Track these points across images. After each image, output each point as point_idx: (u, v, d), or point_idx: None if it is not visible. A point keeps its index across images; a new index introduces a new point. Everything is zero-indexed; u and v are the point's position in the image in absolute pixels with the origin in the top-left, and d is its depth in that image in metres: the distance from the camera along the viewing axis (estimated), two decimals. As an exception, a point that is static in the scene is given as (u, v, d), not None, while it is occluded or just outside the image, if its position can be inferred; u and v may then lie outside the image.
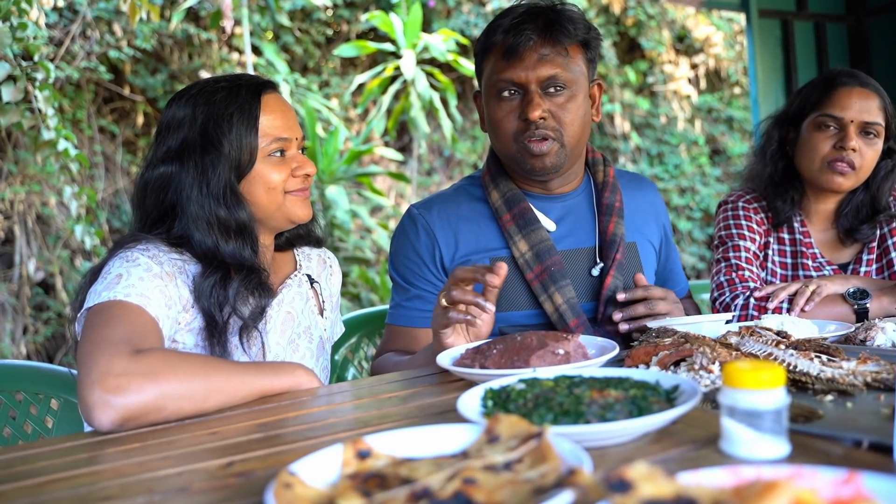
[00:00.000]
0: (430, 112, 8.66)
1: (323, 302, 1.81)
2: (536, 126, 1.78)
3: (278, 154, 1.62)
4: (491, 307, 1.47)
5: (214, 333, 1.52)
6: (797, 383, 1.17)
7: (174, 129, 1.60)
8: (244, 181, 1.59)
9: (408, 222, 1.96)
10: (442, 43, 8.48)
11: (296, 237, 1.81)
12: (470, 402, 1.04)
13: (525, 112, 1.78)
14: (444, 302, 1.50)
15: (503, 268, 1.43)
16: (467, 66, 8.51)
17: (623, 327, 1.74)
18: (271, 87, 1.67)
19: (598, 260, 1.91)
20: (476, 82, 1.99)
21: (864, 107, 2.10)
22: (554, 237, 1.90)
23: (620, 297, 1.77)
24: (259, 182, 1.60)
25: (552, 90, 1.79)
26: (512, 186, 1.92)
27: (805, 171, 2.18)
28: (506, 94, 1.81)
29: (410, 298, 1.92)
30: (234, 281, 1.54)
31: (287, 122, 1.64)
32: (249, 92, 1.61)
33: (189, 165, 1.57)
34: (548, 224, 1.91)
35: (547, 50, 1.78)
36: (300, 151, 1.68)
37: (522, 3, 1.86)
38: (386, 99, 8.42)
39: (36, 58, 3.97)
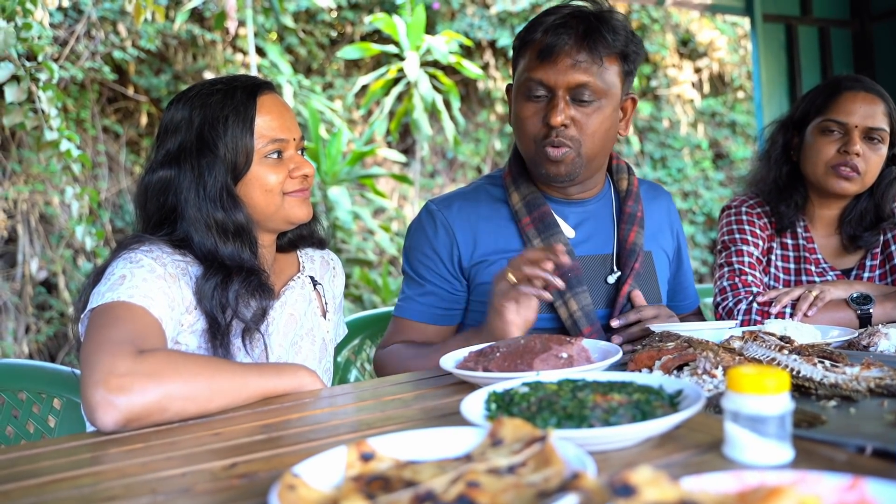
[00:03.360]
0: (433, 114, 8.66)
1: (326, 304, 1.81)
2: (557, 133, 1.76)
3: (275, 155, 1.61)
4: (561, 284, 1.53)
5: (217, 335, 1.52)
6: (800, 388, 1.17)
7: (172, 132, 1.61)
8: (241, 183, 1.59)
9: (426, 218, 1.94)
10: (444, 45, 8.47)
11: (298, 238, 1.81)
12: (473, 405, 1.04)
13: (548, 116, 1.76)
14: (512, 278, 1.55)
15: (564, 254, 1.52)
16: (471, 68, 8.51)
17: (616, 340, 1.74)
18: (268, 87, 1.66)
19: (615, 268, 1.90)
20: (511, 75, 1.96)
21: (868, 112, 2.10)
22: (571, 242, 1.89)
23: (614, 323, 1.76)
24: (256, 184, 1.60)
25: (580, 99, 1.76)
26: (533, 189, 1.90)
27: (810, 176, 2.18)
28: (533, 94, 1.78)
29: (424, 294, 1.91)
30: (234, 283, 1.53)
31: (284, 123, 1.63)
32: (245, 93, 1.60)
33: (186, 168, 1.57)
34: (567, 231, 1.90)
35: (582, 57, 1.74)
36: (299, 152, 1.67)
37: (570, 2, 1.83)
38: (388, 101, 8.41)
39: (40, 58, 3.98)
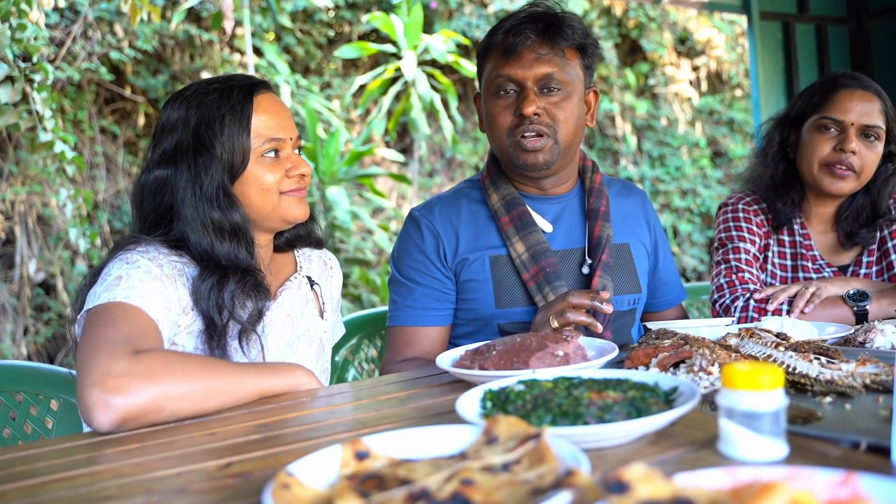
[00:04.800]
0: (431, 113, 8.65)
1: (323, 304, 1.81)
2: (531, 122, 1.85)
3: (272, 154, 1.61)
4: (601, 328, 1.61)
5: (214, 336, 1.51)
6: (796, 385, 1.17)
7: (169, 132, 1.61)
8: (238, 182, 1.59)
9: (410, 224, 2.01)
10: (442, 44, 8.47)
11: (296, 238, 1.80)
12: (469, 403, 1.04)
13: (520, 108, 1.85)
14: (555, 324, 1.62)
15: (608, 301, 1.60)
16: (468, 67, 8.50)
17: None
18: (264, 87, 1.66)
19: (586, 259, 1.96)
20: (477, 84, 2.03)
21: (864, 110, 2.10)
22: (548, 237, 1.96)
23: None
24: (253, 183, 1.60)
25: (547, 89, 1.86)
26: (511, 189, 1.98)
27: (805, 174, 2.18)
28: (503, 90, 1.88)
29: (418, 297, 1.95)
30: (230, 283, 1.53)
31: (281, 122, 1.63)
32: (241, 92, 1.60)
33: (183, 167, 1.57)
34: (544, 225, 1.97)
35: (545, 50, 1.85)
36: (296, 151, 1.67)
37: (525, 8, 1.93)
38: (386, 100, 8.41)
39: (35, 59, 3.97)
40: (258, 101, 1.62)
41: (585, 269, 1.95)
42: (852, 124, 2.10)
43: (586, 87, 1.95)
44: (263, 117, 1.61)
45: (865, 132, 2.11)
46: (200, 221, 1.55)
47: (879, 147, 2.13)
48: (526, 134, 1.85)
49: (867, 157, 2.11)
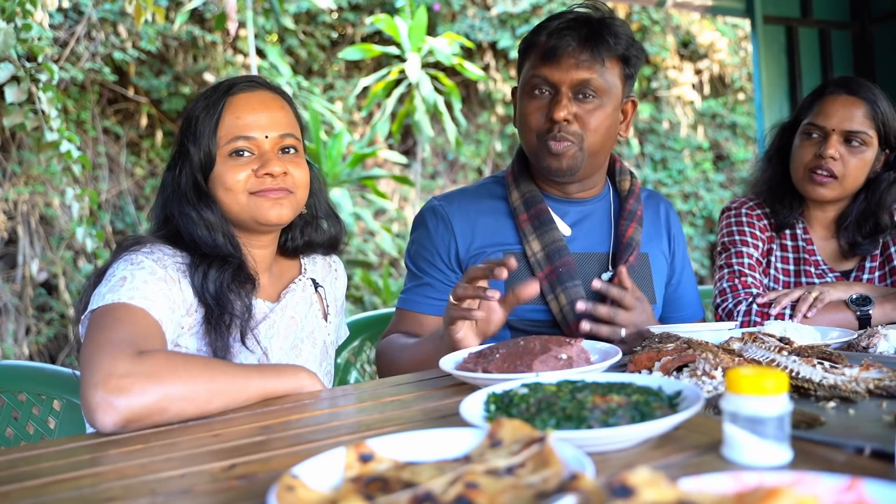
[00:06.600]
0: (435, 116, 8.65)
1: (327, 306, 1.81)
2: (560, 128, 1.82)
3: (240, 154, 1.59)
4: (493, 294, 1.51)
5: (212, 323, 1.52)
6: (799, 390, 1.17)
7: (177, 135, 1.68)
8: (209, 182, 1.61)
9: (428, 213, 2.01)
10: (447, 46, 8.47)
11: (307, 245, 1.78)
12: (472, 406, 1.04)
13: (552, 111, 1.82)
14: (452, 299, 1.57)
15: (512, 261, 1.50)
16: (472, 69, 8.51)
17: (584, 326, 1.73)
18: (249, 86, 1.63)
19: (609, 267, 1.93)
20: (516, 80, 2.02)
21: (847, 115, 2.10)
22: (567, 239, 1.93)
23: (596, 283, 1.75)
24: (219, 183, 1.60)
25: (582, 95, 1.83)
26: (532, 188, 1.96)
27: (793, 180, 2.19)
28: (538, 91, 1.86)
29: (421, 286, 1.97)
30: (212, 270, 1.54)
31: (256, 121, 1.59)
32: (219, 92, 1.62)
33: (173, 167, 1.63)
34: (563, 229, 1.94)
35: (584, 56, 1.82)
36: (289, 151, 1.63)
37: (574, 8, 1.91)
38: (390, 102, 8.40)
39: (40, 59, 3.98)
40: (233, 100, 1.61)
41: (605, 276, 1.91)
42: (833, 130, 2.10)
43: (625, 97, 1.92)
44: (233, 116, 1.59)
45: (848, 137, 2.11)
46: (181, 216, 1.58)
47: (867, 153, 2.12)
48: (553, 139, 1.83)
49: (850, 162, 2.11)
